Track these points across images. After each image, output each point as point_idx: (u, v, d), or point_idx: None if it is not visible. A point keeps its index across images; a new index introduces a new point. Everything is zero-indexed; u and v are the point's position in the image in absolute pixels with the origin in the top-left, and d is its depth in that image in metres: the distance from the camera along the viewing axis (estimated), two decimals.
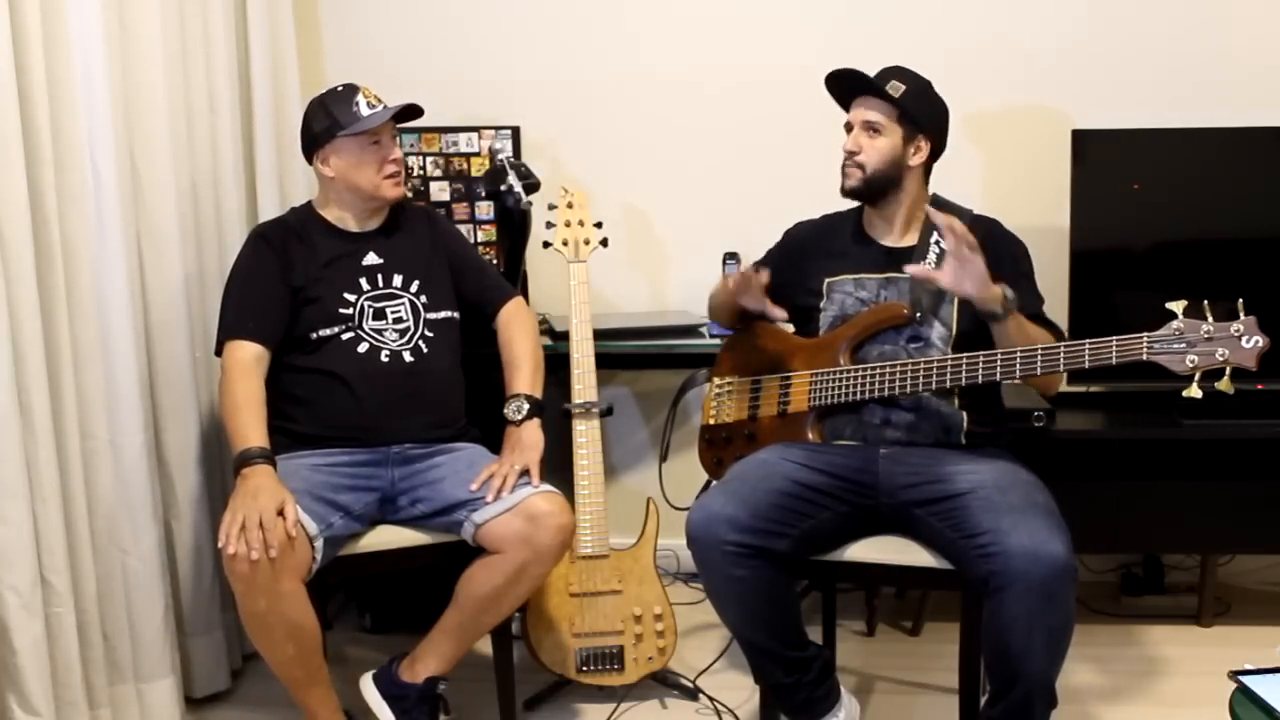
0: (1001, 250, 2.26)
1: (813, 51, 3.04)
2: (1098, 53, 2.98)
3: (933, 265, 2.22)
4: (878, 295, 2.27)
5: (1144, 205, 2.79)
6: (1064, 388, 2.90)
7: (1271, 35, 2.92)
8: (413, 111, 2.42)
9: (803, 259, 2.40)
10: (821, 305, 2.32)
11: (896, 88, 2.24)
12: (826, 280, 2.33)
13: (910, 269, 2.12)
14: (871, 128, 2.25)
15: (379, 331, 2.36)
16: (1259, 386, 2.65)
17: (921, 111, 2.25)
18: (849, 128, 2.30)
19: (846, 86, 2.31)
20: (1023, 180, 2.99)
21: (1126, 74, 2.97)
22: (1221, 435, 2.66)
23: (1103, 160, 2.79)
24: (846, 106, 2.33)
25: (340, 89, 2.38)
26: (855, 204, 2.35)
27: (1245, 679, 1.68)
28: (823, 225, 2.45)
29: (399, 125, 2.45)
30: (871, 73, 2.28)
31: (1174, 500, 2.70)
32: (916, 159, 2.26)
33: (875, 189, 2.27)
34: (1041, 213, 2.88)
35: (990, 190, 2.82)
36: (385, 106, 2.38)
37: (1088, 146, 2.79)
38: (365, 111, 2.35)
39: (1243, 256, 2.78)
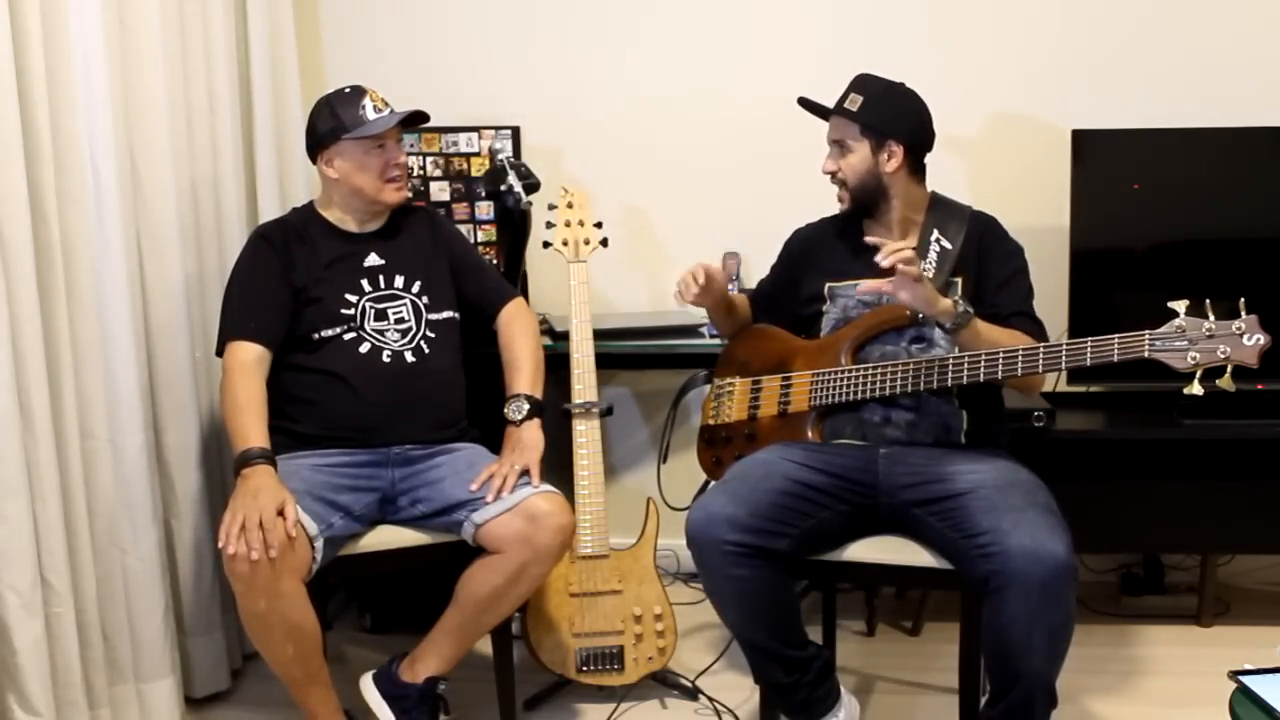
0: (993, 248, 2.28)
1: (814, 53, 3.05)
2: (1098, 53, 2.98)
3: (932, 266, 2.22)
4: (880, 298, 2.27)
5: (1144, 205, 2.79)
6: (1064, 387, 2.91)
7: (1271, 36, 2.92)
8: (419, 118, 2.42)
9: (804, 266, 2.40)
10: (824, 309, 2.33)
11: (855, 100, 2.25)
12: (829, 285, 2.33)
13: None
14: (840, 146, 2.28)
15: (381, 332, 2.36)
16: (1259, 386, 2.66)
17: (884, 118, 2.25)
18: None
19: (815, 110, 2.35)
20: (1023, 180, 2.99)
21: (1126, 74, 2.97)
22: (1221, 435, 2.66)
23: (1103, 160, 2.79)
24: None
25: (348, 90, 2.38)
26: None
27: (1245, 679, 1.68)
28: (822, 231, 2.45)
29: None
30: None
31: (1174, 500, 2.70)
32: (892, 165, 2.25)
33: (864, 202, 2.29)
34: (1041, 213, 2.88)
35: (990, 190, 2.81)
36: (391, 111, 2.38)
37: (1088, 146, 2.79)
38: (371, 115, 2.35)
39: (1243, 256, 2.78)
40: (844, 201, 2.31)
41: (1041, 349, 2.01)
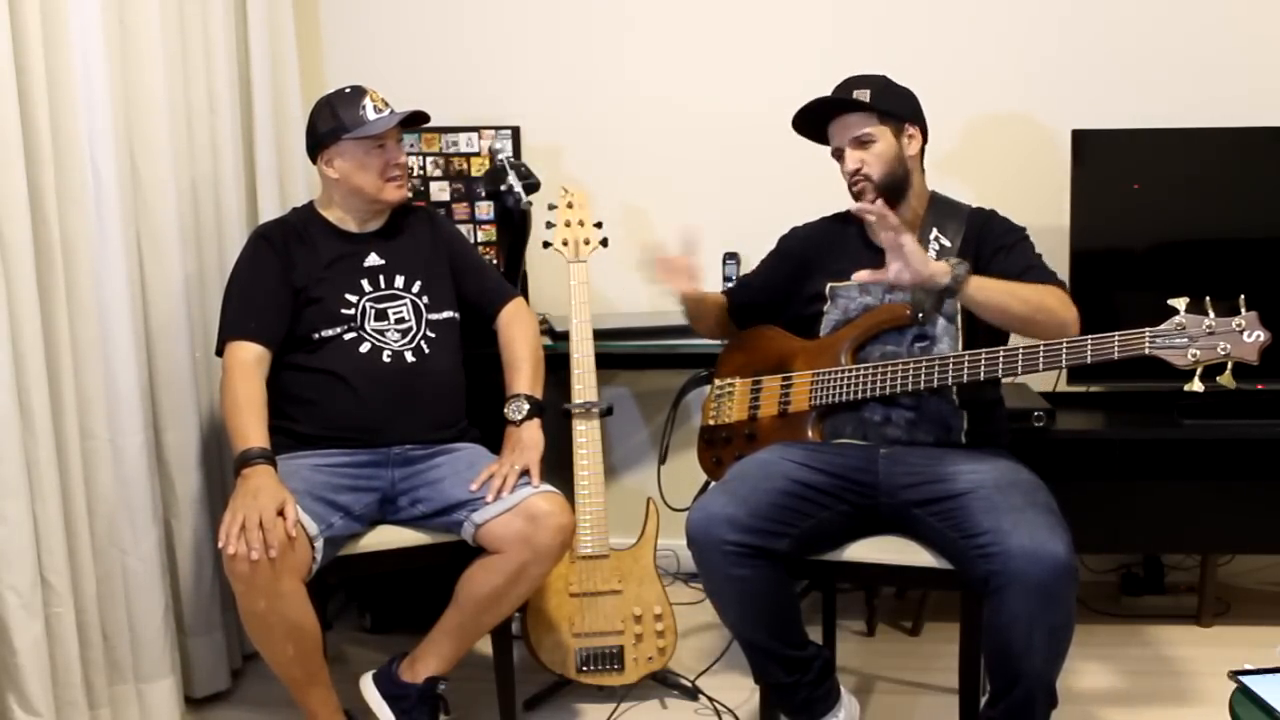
0: (994, 230, 2.27)
1: (815, 53, 3.06)
2: (1098, 53, 2.98)
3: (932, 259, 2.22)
4: (882, 299, 2.27)
5: (1144, 205, 2.79)
6: (1064, 387, 2.91)
7: (1271, 36, 2.93)
8: (419, 118, 2.42)
9: (804, 266, 2.40)
10: (825, 309, 2.32)
11: (862, 94, 2.25)
12: (830, 285, 2.33)
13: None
14: (860, 141, 2.26)
15: (381, 332, 2.36)
16: (1259, 386, 2.66)
17: (896, 103, 2.27)
18: (838, 154, 2.30)
19: (818, 116, 2.31)
20: (1023, 180, 2.99)
21: (1126, 74, 2.97)
22: (1221, 435, 2.66)
23: (1103, 160, 2.79)
24: (816, 138, 2.34)
25: (348, 91, 2.38)
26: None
27: (1245, 679, 1.68)
28: (822, 231, 2.44)
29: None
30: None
31: (1174, 500, 2.70)
32: (913, 147, 2.28)
33: (893, 191, 2.26)
34: (1041, 213, 2.88)
35: (991, 190, 2.81)
36: (392, 111, 2.38)
37: (1088, 146, 2.80)
38: (371, 115, 2.35)
39: (1243, 256, 2.78)
40: (866, 195, 2.24)
41: (1042, 347, 2.01)
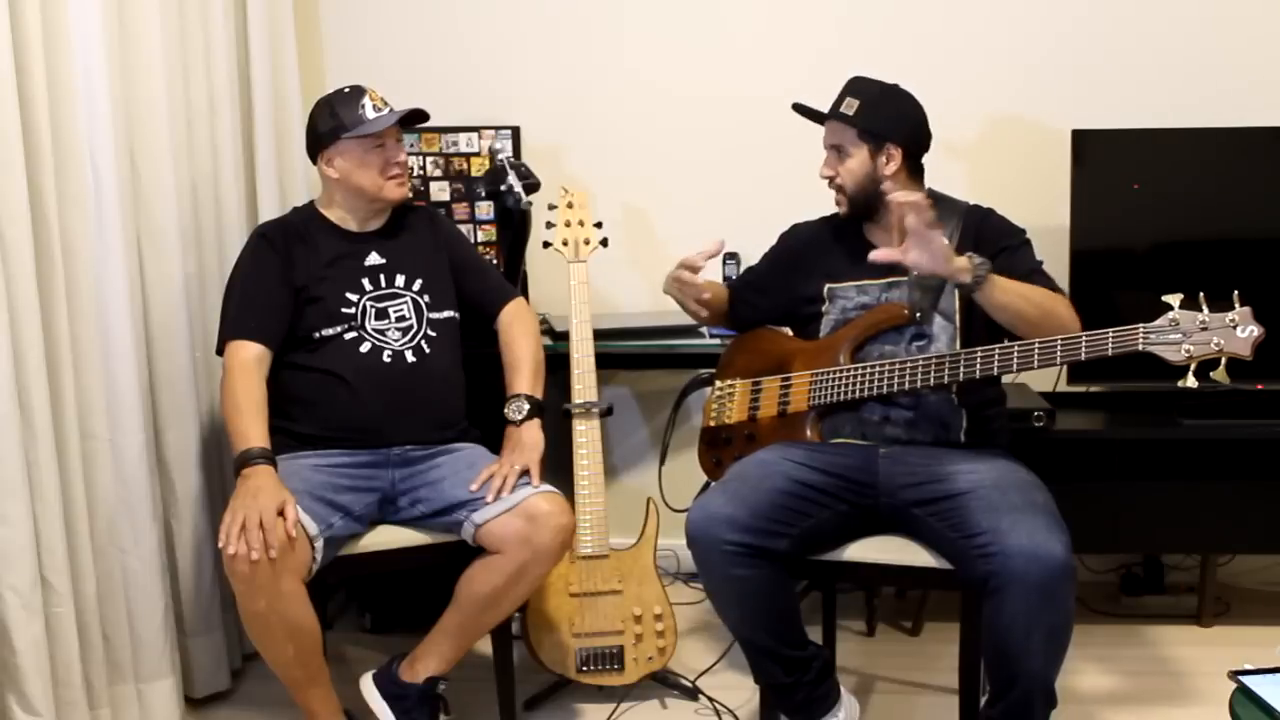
0: (992, 229, 2.27)
1: (814, 53, 3.06)
2: (1098, 53, 2.98)
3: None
4: (879, 299, 2.27)
5: (1144, 205, 2.79)
6: (1064, 387, 2.91)
7: (1271, 36, 2.93)
8: (418, 116, 2.43)
9: (802, 264, 2.40)
10: (823, 310, 2.32)
11: (851, 104, 2.24)
12: (828, 286, 2.33)
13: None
14: (837, 150, 2.27)
15: (381, 331, 2.36)
16: (1259, 386, 2.66)
17: (881, 122, 2.24)
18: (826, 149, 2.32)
19: (810, 115, 2.33)
20: (1023, 180, 2.99)
21: (1126, 74, 2.97)
22: (1221, 435, 2.66)
23: (1103, 160, 2.79)
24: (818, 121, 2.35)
25: (347, 90, 2.38)
26: None
27: (1245, 679, 1.68)
28: (821, 229, 2.44)
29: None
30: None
31: (1174, 500, 2.70)
32: (890, 168, 2.25)
33: (863, 205, 2.27)
34: (1041, 213, 2.87)
35: (990, 190, 2.81)
36: (391, 110, 2.38)
37: (1088, 146, 2.80)
38: (371, 114, 2.35)
39: (1242, 256, 2.78)
40: (842, 206, 2.31)
41: (1037, 344, 2.00)
